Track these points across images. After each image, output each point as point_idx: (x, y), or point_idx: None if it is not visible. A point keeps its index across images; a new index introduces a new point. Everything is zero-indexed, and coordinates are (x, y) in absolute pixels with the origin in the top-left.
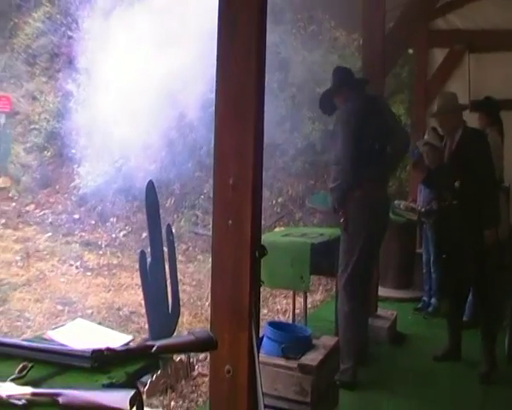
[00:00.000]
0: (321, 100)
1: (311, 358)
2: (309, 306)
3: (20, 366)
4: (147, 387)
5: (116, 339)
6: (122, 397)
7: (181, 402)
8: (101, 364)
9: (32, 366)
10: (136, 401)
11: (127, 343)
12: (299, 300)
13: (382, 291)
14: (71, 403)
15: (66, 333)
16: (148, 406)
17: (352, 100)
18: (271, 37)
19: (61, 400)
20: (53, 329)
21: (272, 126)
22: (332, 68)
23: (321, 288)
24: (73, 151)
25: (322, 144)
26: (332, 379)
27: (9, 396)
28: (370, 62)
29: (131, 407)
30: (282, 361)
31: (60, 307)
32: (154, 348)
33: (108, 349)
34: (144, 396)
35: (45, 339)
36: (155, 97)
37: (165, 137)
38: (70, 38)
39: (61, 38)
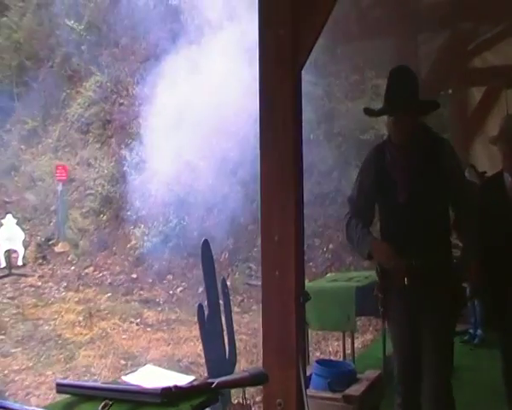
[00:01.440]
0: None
1: (355, 389)
2: (360, 346)
3: (102, 403)
4: None
5: (181, 379)
6: None
7: None
8: (169, 399)
9: (112, 404)
10: None
11: (191, 382)
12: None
13: None
14: None
15: (138, 377)
16: None
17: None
18: (316, 90)
19: None
20: (126, 374)
21: (321, 176)
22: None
23: (371, 328)
24: (128, 213)
25: None
26: (375, 407)
27: None
28: None
29: None
30: (328, 394)
31: (123, 362)
32: (214, 384)
33: (176, 387)
34: None
35: (120, 383)
36: (205, 155)
37: (218, 193)
38: (121, 104)
39: (112, 105)
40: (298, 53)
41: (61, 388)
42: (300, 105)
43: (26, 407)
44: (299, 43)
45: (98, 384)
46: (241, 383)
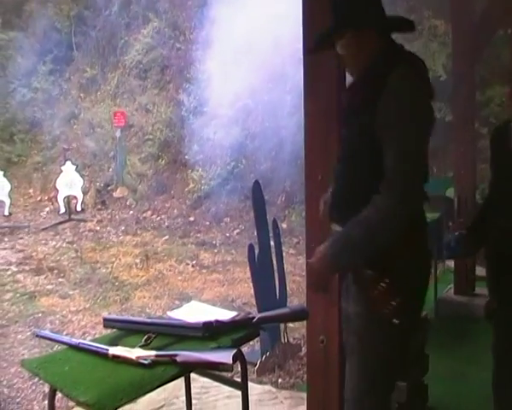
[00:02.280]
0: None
1: None
2: None
3: (146, 336)
4: (257, 366)
5: (224, 315)
6: (227, 354)
7: (287, 379)
8: (210, 333)
9: (155, 337)
10: (239, 357)
11: (233, 317)
12: None
13: (480, 271)
14: (186, 361)
15: (182, 312)
16: (258, 382)
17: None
18: None
19: (178, 359)
20: (171, 310)
21: None
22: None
23: None
24: (186, 157)
25: (434, 132)
26: (420, 348)
27: (138, 358)
28: (460, 50)
29: (234, 362)
30: None
31: (177, 303)
32: (255, 319)
33: (217, 321)
34: (255, 374)
35: (165, 318)
36: (263, 100)
37: (275, 136)
38: (178, 49)
39: (170, 50)
40: None
41: (107, 322)
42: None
43: (74, 340)
44: None
45: (142, 319)
46: (282, 318)
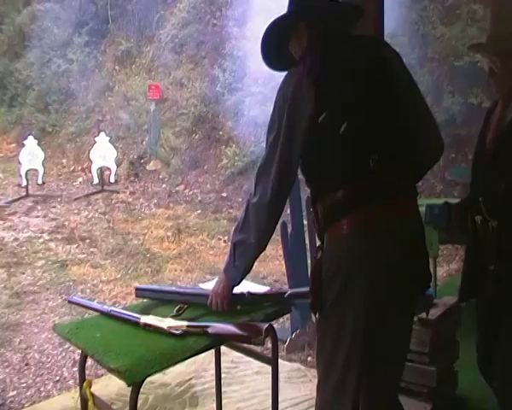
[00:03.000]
0: (266, 40)
1: (431, 313)
2: (444, 274)
3: (177, 307)
4: (287, 344)
5: (257, 288)
6: (258, 328)
7: None
8: (242, 305)
9: (186, 307)
10: (270, 332)
11: (265, 291)
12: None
13: None
14: (218, 333)
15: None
16: (287, 360)
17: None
18: (410, 14)
19: (209, 330)
20: (203, 282)
21: None
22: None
23: (457, 258)
24: (220, 133)
25: (463, 117)
26: (451, 334)
27: (170, 328)
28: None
29: (265, 336)
30: None
31: (208, 277)
32: (287, 294)
33: (249, 293)
34: (284, 352)
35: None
36: None
37: None
38: (214, 25)
39: (205, 26)
40: None
41: (139, 292)
42: (383, 35)
43: (106, 307)
44: None
45: (174, 288)
46: None
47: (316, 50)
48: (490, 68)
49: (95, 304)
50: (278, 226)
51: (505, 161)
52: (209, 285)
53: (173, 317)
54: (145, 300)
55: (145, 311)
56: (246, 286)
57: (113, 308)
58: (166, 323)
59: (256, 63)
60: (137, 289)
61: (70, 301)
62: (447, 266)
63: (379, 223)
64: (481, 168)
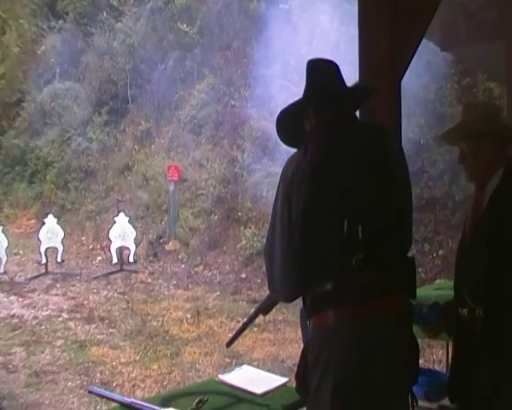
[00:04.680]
0: (281, 120)
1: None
2: None
3: (197, 399)
4: None
5: (275, 380)
6: None
7: None
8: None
9: (206, 400)
10: None
11: (283, 383)
12: None
13: None
14: None
15: (234, 376)
16: None
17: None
18: (428, 93)
19: None
20: (223, 373)
21: (431, 181)
22: None
23: None
24: (239, 214)
25: None
26: None
27: None
28: None
29: None
30: (424, 403)
31: (228, 360)
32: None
33: None
34: None
35: (216, 381)
36: None
37: None
38: (233, 106)
39: (224, 106)
40: (397, 64)
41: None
42: (400, 115)
43: (126, 398)
44: (398, 54)
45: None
46: None
47: (319, 137)
48: (459, 154)
49: (116, 395)
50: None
51: (484, 246)
52: (229, 377)
53: None
54: (167, 389)
55: (165, 403)
56: (264, 378)
57: (133, 400)
58: None
59: (274, 144)
60: (89, 391)
61: (90, 392)
62: None
63: (358, 320)
64: (463, 258)
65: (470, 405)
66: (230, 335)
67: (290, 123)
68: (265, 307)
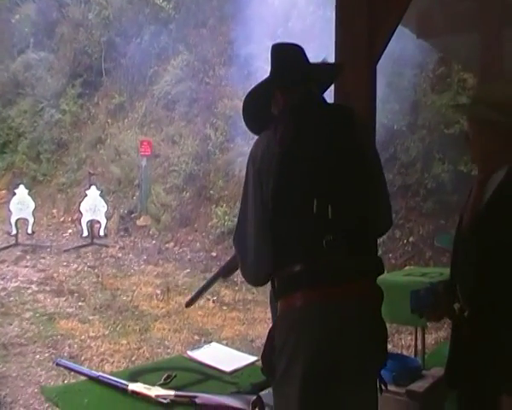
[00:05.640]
0: (248, 104)
1: (419, 385)
2: (432, 342)
3: (166, 375)
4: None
5: (243, 359)
6: (246, 400)
7: None
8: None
9: (174, 376)
10: (258, 404)
11: (252, 362)
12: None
13: None
14: (205, 404)
15: (203, 353)
16: None
17: (294, 111)
18: (402, 81)
19: (197, 401)
20: (192, 350)
21: (404, 168)
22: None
23: (445, 325)
24: (211, 192)
25: (453, 185)
26: (439, 407)
27: (157, 396)
28: None
29: (254, 408)
30: (392, 388)
31: (197, 338)
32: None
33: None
34: None
35: (185, 357)
36: None
37: None
38: (207, 84)
39: (198, 84)
40: (373, 48)
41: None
42: (375, 99)
43: (94, 372)
44: (374, 38)
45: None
46: None
47: (288, 118)
48: (466, 134)
49: (84, 369)
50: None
51: (480, 246)
52: (198, 354)
53: (161, 385)
54: (135, 364)
55: (133, 377)
56: (233, 356)
57: (101, 374)
58: (154, 391)
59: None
60: (57, 364)
61: (58, 364)
62: (436, 334)
63: (329, 303)
64: (458, 252)
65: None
66: (200, 313)
67: (256, 109)
68: (227, 270)
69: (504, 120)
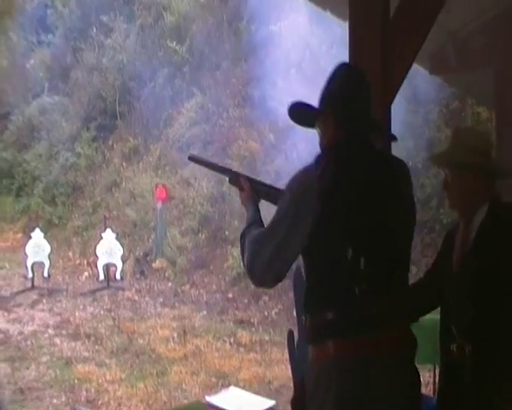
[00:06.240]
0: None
1: None
2: None
3: None
4: None
5: (261, 404)
6: None
7: None
8: None
9: None
10: None
11: (271, 407)
12: None
13: None
14: None
15: (221, 398)
16: None
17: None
18: (416, 118)
19: None
20: (210, 395)
21: (419, 204)
22: None
23: None
24: (226, 233)
25: None
26: None
27: None
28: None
29: None
30: None
31: (214, 380)
32: None
33: None
34: None
35: (203, 403)
36: None
37: None
38: (221, 126)
39: (213, 126)
40: (387, 89)
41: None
42: (390, 141)
43: None
44: (388, 80)
45: None
46: None
47: (331, 157)
48: (444, 180)
49: None
50: (286, 331)
51: (474, 282)
52: (216, 399)
53: None
54: None
55: None
56: (251, 401)
57: None
58: None
59: (262, 164)
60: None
61: None
62: None
63: (361, 354)
64: (450, 293)
65: None
66: (217, 355)
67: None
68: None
69: (482, 161)
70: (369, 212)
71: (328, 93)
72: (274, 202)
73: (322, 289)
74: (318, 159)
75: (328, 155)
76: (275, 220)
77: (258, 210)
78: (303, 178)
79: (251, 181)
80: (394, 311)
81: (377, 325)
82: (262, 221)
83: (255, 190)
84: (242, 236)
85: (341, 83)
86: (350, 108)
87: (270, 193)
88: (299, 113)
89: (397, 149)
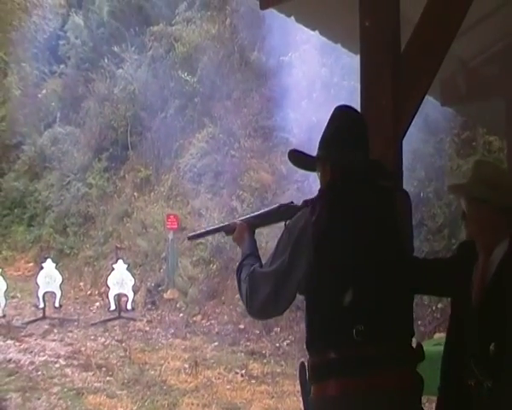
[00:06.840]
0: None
1: None
2: None
3: None
4: None
5: None
6: None
7: None
8: None
9: None
10: None
11: None
12: None
13: None
14: None
15: None
16: None
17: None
18: (427, 147)
19: None
20: None
21: (431, 234)
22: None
23: None
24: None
25: None
26: None
27: None
28: None
29: None
30: None
31: None
32: None
33: None
34: None
35: None
36: None
37: None
38: (233, 156)
39: (224, 156)
40: (399, 123)
41: None
42: (402, 176)
43: None
44: (400, 114)
45: None
46: None
47: (326, 203)
48: (463, 211)
49: None
50: (298, 363)
51: (494, 316)
52: None
53: None
54: None
55: None
56: None
57: None
58: None
59: (273, 195)
60: None
61: None
62: None
63: (361, 395)
64: (468, 327)
65: None
66: (229, 386)
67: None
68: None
69: (500, 197)
70: (364, 254)
71: (322, 139)
72: (273, 222)
73: (322, 329)
74: (315, 202)
75: (324, 200)
76: (273, 259)
77: (252, 241)
78: (302, 223)
79: (245, 221)
80: (395, 351)
81: (378, 366)
82: (258, 251)
83: (252, 225)
84: (238, 269)
85: (335, 128)
86: (343, 152)
87: (265, 220)
88: (299, 159)
89: (408, 180)
